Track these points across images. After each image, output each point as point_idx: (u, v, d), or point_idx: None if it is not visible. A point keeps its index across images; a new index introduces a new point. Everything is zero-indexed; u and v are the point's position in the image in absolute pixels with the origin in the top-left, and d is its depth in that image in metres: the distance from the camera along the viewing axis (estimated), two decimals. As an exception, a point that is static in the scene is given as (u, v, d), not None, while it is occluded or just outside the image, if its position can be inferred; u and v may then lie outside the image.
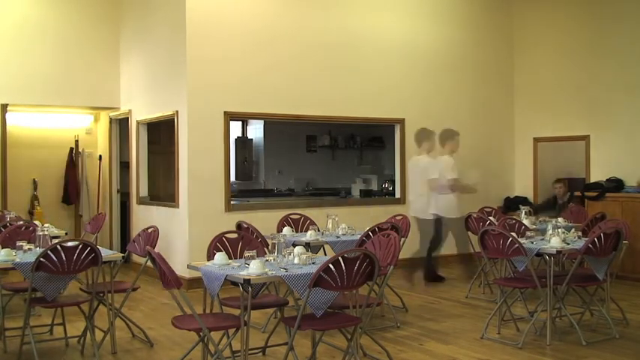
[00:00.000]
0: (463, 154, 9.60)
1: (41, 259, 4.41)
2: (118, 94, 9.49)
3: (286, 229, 6.57)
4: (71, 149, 9.99)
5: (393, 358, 4.81)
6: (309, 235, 6.08)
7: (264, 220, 7.37)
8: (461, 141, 9.58)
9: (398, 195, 9.32)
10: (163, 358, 5.07)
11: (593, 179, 8.91)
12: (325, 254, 6.05)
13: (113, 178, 9.84)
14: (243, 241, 5.05)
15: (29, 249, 4.89)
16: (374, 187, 10.73)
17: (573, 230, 6.01)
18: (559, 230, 5.63)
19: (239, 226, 6.33)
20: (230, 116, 8.05)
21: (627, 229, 5.72)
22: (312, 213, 7.34)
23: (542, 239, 5.66)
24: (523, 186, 10.04)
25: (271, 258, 4.41)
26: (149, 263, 4.47)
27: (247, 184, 10.80)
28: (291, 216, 7.06)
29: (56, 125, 9.97)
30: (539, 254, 5.35)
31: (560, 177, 8.92)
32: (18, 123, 9.49)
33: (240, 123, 10.91)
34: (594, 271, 5.46)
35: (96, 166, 10.12)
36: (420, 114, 9.35)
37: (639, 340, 5.54)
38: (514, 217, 7.14)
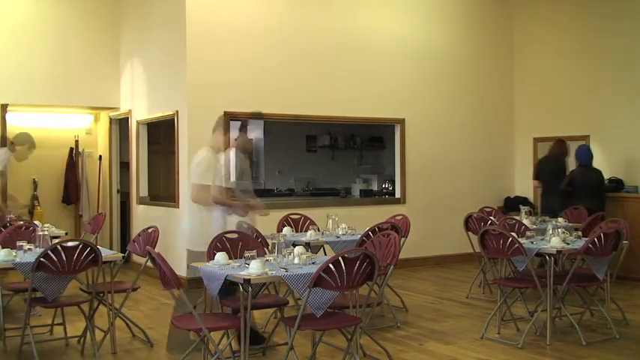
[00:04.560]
0: (463, 154, 9.64)
1: (41, 259, 4.41)
2: (118, 94, 9.49)
3: (286, 229, 6.56)
4: (71, 149, 9.99)
5: (393, 358, 4.81)
6: (309, 235, 6.08)
7: (264, 220, 7.36)
8: (461, 141, 9.64)
9: (398, 195, 9.32)
10: (163, 358, 5.07)
11: (593, 179, 8.91)
12: (325, 254, 6.04)
13: (113, 178, 9.84)
14: (243, 241, 5.05)
15: (29, 249, 4.89)
16: (374, 187, 10.74)
17: (573, 230, 6.01)
18: (559, 230, 5.64)
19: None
20: (230, 116, 8.04)
21: (627, 229, 5.72)
22: (312, 213, 7.33)
23: (542, 239, 5.66)
24: (523, 186, 10.03)
25: (271, 258, 4.41)
26: (149, 263, 4.47)
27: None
28: (291, 216, 7.06)
29: (56, 125, 9.97)
30: (539, 254, 5.36)
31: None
32: (18, 123, 9.48)
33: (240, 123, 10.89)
34: (594, 271, 5.46)
35: (96, 166, 10.12)
36: (420, 114, 9.35)
37: (639, 340, 5.54)
38: (514, 217, 7.14)
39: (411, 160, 9.29)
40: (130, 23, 9.28)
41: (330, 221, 6.41)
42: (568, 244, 5.45)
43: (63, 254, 4.46)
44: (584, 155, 8.14)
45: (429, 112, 9.46)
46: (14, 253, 4.76)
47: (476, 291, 7.32)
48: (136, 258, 8.70)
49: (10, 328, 5.36)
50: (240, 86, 8.02)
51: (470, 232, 7.39)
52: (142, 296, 7.14)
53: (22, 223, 6.36)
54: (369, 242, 5.15)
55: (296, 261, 4.40)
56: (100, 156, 10.10)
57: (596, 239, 5.23)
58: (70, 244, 4.57)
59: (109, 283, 5.03)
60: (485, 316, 5.86)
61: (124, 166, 9.66)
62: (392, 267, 4.69)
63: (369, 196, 10.15)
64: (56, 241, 5.01)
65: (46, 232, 5.00)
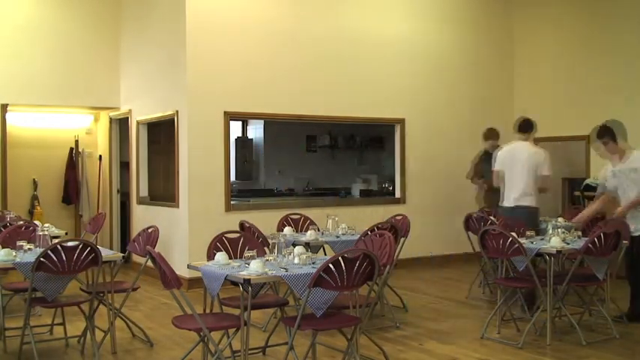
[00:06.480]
0: (463, 154, 9.63)
1: (41, 259, 4.41)
2: (118, 94, 9.49)
3: (286, 229, 6.56)
4: (71, 149, 10.00)
5: (389, 358, 4.80)
6: (309, 235, 6.08)
7: (264, 220, 7.36)
8: (460, 141, 9.63)
9: (398, 195, 9.32)
10: (163, 358, 5.07)
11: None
12: (325, 254, 6.04)
13: (113, 178, 9.84)
14: (243, 241, 5.05)
15: (29, 249, 4.89)
16: (374, 187, 10.72)
17: (573, 230, 6.01)
18: (559, 230, 5.64)
19: (242, 225, 6.33)
20: (230, 116, 8.05)
21: (627, 230, 5.72)
22: (312, 213, 7.33)
23: (542, 239, 5.66)
24: (523, 186, 10.01)
25: (271, 258, 4.41)
26: (149, 263, 4.47)
27: (247, 184, 10.80)
28: (291, 216, 7.06)
29: (56, 125, 9.97)
30: (539, 254, 5.36)
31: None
32: (18, 123, 9.49)
33: (240, 123, 10.90)
34: (594, 271, 5.46)
35: (96, 166, 10.12)
36: (420, 114, 9.35)
37: (639, 340, 5.55)
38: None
39: (411, 160, 9.29)
40: (130, 23, 9.27)
41: (330, 221, 6.41)
42: (568, 244, 5.45)
43: (63, 254, 4.46)
44: None
45: (429, 112, 9.46)
46: (14, 253, 4.76)
47: (476, 291, 7.32)
48: (136, 258, 8.70)
49: (10, 328, 5.36)
50: (240, 86, 8.02)
51: (470, 232, 7.38)
52: (142, 296, 7.14)
53: (22, 223, 6.36)
54: (360, 242, 5.15)
55: (296, 261, 4.40)
56: (100, 156, 10.10)
57: (596, 239, 5.23)
58: (70, 244, 4.57)
59: (109, 283, 5.03)
60: (485, 316, 5.86)
61: (124, 166, 9.66)
62: (389, 267, 4.69)
63: (369, 196, 10.13)
64: (56, 241, 5.01)
65: (46, 232, 5.00)
